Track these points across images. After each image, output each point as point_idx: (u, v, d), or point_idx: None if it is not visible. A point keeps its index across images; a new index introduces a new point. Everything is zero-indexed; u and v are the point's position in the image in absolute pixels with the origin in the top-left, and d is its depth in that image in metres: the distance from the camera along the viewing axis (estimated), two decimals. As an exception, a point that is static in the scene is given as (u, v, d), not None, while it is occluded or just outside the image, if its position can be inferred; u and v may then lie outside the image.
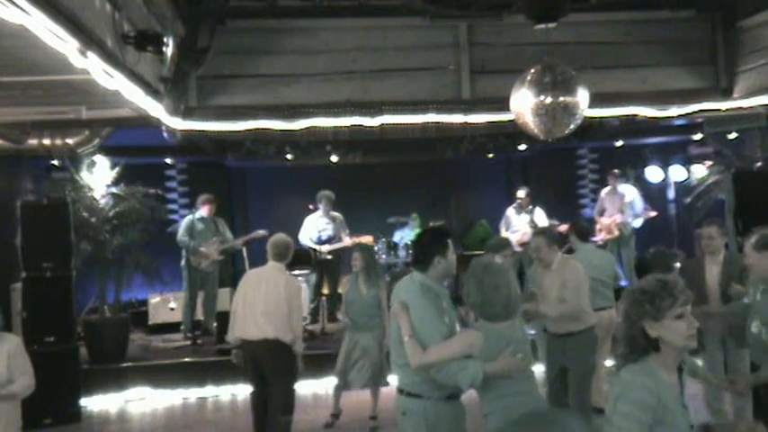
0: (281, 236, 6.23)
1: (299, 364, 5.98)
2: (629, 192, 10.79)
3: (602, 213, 10.93)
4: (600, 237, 10.78)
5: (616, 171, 10.89)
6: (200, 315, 9.59)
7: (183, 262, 9.43)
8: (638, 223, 10.71)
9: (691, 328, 2.64)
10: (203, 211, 9.57)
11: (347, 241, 10.09)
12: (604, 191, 11.07)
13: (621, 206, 10.65)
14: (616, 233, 10.63)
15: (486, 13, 7.66)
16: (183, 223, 9.49)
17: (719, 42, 8.36)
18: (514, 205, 10.87)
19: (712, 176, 10.17)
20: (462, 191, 12.89)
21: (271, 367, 5.78)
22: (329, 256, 9.93)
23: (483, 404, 3.72)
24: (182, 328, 9.58)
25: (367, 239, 10.50)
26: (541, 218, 10.56)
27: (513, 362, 3.57)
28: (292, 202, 11.19)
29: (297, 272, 9.96)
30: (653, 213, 10.85)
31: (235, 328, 5.93)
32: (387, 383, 6.81)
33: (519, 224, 10.51)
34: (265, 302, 5.75)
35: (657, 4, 8.26)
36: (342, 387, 6.82)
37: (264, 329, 5.71)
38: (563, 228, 9.74)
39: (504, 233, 10.45)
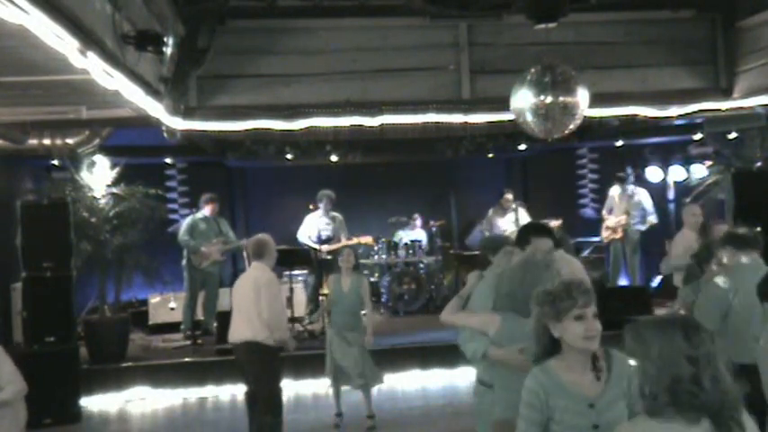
0: (257, 235, 6.23)
1: (291, 342, 6.07)
2: (641, 194, 10.74)
3: (610, 212, 10.91)
4: (604, 236, 10.79)
5: (621, 174, 10.87)
6: (200, 315, 9.60)
7: (184, 261, 9.44)
8: (643, 227, 10.63)
9: (589, 330, 2.70)
10: (206, 211, 9.57)
11: (345, 242, 10.09)
12: (613, 190, 10.94)
13: (629, 207, 10.60)
14: (620, 234, 10.61)
15: (486, 13, 7.66)
16: (185, 223, 9.49)
17: (719, 42, 8.36)
18: (495, 206, 10.99)
19: (712, 176, 10.16)
20: (462, 191, 12.89)
21: (250, 368, 5.83)
22: (329, 256, 9.92)
23: (493, 393, 3.77)
24: (182, 327, 9.58)
25: (366, 240, 10.54)
26: (525, 217, 10.63)
27: (516, 358, 3.51)
28: (292, 201, 11.18)
29: (296, 272, 10.04)
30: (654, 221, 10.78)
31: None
32: (380, 381, 6.86)
33: (504, 224, 10.59)
34: (244, 304, 5.81)
35: (657, 4, 8.26)
36: (336, 386, 6.84)
37: (243, 331, 5.78)
38: (555, 224, 9.82)
39: (486, 235, 10.57)
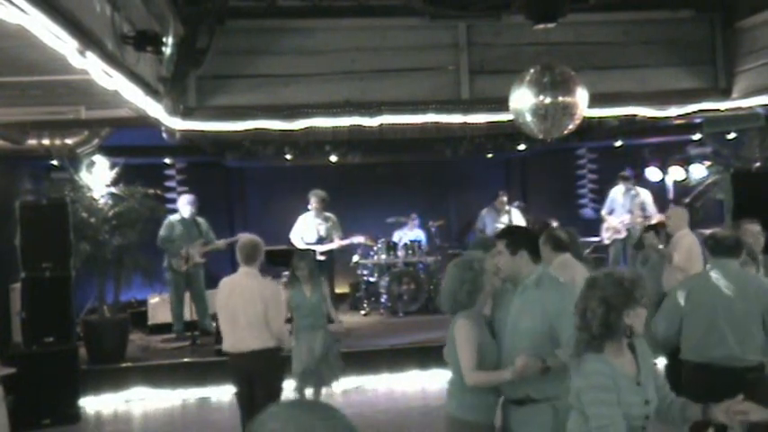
0: (247, 237, 6.01)
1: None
2: (643, 193, 10.72)
3: (611, 212, 10.90)
4: (606, 236, 10.79)
5: (625, 174, 10.84)
6: (195, 315, 9.57)
7: (165, 263, 9.41)
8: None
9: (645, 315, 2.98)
10: (184, 213, 9.54)
11: (337, 243, 10.07)
12: (616, 190, 10.90)
13: (632, 207, 10.59)
14: (624, 233, 10.60)
15: (486, 13, 7.66)
16: (163, 225, 9.45)
17: (718, 42, 8.36)
18: (489, 207, 10.99)
19: (711, 176, 10.16)
20: (462, 191, 12.89)
21: (259, 374, 5.78)
22: (322, 257, 9.88)
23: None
24: (173, 329, 9.58)
25: (359, 239, 10.51)
26: (518, 219, 10.66)
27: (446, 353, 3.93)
28: (291, 202, 11.18)
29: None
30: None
31: (223, 341, 6.00)
32: (334, 381, 6.87)
33: (499, 225, 10.61)
34: (245, 315, 5.67)
35: (657, 4, 8.26)
36: (300, 389, 6.76)
37: (249, 342, 5.68)
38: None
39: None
